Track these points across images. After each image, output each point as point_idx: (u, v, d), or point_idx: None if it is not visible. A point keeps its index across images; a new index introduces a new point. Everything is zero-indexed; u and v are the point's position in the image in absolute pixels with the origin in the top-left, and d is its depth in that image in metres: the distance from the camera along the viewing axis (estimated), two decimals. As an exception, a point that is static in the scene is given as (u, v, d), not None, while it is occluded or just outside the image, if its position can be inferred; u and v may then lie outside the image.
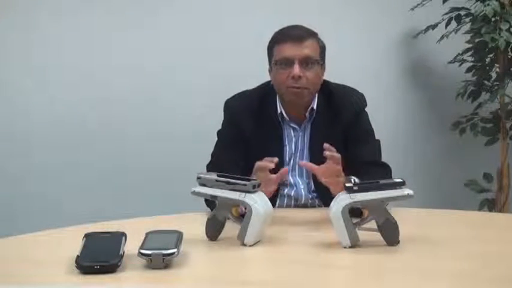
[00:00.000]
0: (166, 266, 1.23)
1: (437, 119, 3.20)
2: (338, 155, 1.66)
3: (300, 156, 1.91)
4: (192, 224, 1.54)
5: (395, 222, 1.39)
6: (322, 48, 1.88)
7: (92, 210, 2.51)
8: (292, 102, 1.88)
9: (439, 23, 2.95)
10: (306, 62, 1.81)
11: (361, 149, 1.88)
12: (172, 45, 2.87)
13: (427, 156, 3.22)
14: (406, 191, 1.38)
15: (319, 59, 1.84)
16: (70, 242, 1.33)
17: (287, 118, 1.91)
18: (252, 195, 1.42)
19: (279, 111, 1.90)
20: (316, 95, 1.90)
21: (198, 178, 1.47)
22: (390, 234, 1.39)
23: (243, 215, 1.44)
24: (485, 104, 2.97)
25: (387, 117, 3.04)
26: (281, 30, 1.89)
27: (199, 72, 2.88)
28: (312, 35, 1.86)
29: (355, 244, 1.38)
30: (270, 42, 1.89)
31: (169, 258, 1.22)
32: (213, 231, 1.46)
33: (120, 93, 2.83)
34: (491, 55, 2.94)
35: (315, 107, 1.90)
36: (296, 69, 1.80)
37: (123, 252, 1.24)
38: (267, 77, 1.94)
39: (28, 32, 2.73)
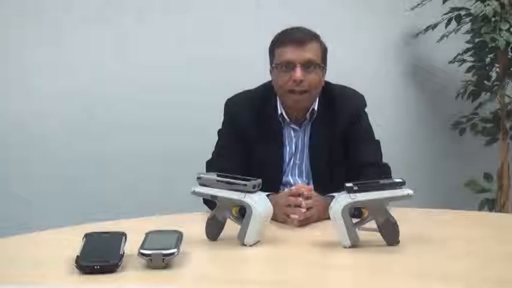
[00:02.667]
0: (166, 266, 1.23)
1: (437, 119, 3.20)
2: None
3: (300, 156, 1.91)
4: (192, 224, 1.54)
5: (395, 222, 1.39)
6: (324, 51, 1.86)
7: (91, 210, 2.52)
8: (292, 107, 1.88)
9: (439, 23, 2.95)
10: (307, 65, 1.79)
11: (361, 150, 1.88)
12: (172, 45, 2.87)
13: (427, 156, 3.22)
14: (406, 191, 1.38)
15: (320, 63, 1.82)
16: (70, 242, 1.33)
17: (287, 119, 1.91)
18: (252, 195, 1.42)
19: (279, 112, 1.90)
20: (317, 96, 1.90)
21: (198, 178, 1.47)
22: (390, 234, 1.39)
23: (243, 215, 1.43)
24: (485, 104, 2.97)
25: (387, 117, 3.04)
26: (283, 32, 1.86)
27: (200, 72, 2.88)
28: (314, 37, 1.84)
29: (355, 244, 1.38)
30: (271, 43, 1.88)
31: (169, 258, 1.22)
32: (213, 231, 1.46)
33: (119, 93, 2.82)
34: (491, 55, 2.95)
35: (315, 108, 1.89)
36: (298, 73, 1.78)
37: (123, 252, 1.24)
38: (267, 77, 1.94)
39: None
